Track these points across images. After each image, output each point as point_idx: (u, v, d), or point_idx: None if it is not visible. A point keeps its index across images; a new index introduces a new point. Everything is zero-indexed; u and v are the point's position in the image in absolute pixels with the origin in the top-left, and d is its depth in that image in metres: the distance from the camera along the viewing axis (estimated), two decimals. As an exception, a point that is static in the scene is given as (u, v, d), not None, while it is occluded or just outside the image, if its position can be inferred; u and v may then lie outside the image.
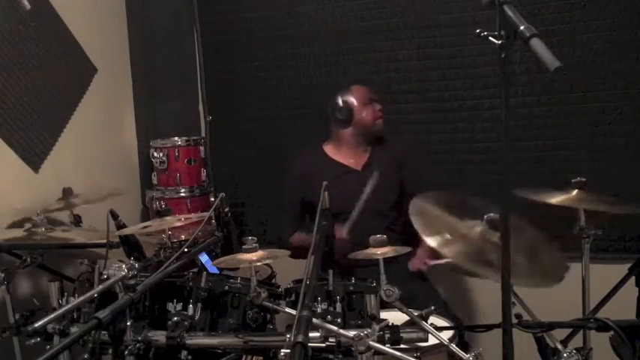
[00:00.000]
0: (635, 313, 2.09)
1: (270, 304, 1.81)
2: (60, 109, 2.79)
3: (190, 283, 1.96)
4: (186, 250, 1.92)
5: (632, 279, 2.06)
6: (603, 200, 1.95)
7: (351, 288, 1.91)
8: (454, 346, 1.69)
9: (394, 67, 3.07)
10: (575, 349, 1.77)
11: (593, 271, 1.96)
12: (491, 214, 1.85)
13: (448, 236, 1.76)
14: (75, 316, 1.97)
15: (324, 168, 2.75)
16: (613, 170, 2.75)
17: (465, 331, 2.23)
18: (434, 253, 2.64)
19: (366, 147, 2.81)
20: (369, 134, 2.79)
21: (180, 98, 3.44)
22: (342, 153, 2.80)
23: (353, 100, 2.74)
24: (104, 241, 1.96)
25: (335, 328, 1.68)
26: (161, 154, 3.05)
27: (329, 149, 2.83)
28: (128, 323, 1.77)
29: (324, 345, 1.71)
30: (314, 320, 1.59)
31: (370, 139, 2.80)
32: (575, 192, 2.00)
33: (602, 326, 1.58)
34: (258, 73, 3.33)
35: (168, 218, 2.15)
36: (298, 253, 2.13)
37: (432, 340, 1.74)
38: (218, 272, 2.14)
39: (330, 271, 1.89)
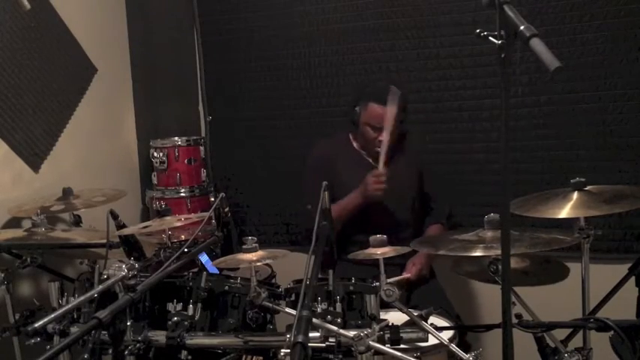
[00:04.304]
0: (635, 313, 2.09)
1: (270, 304, 1.81)
2: (60, 109, 2.78)
3: (190, 283, 1.97)
4: (186, 250, 1.92)
5: (632, 279, 2.06)
6: (602, 200, 1.95)
7: (351, 288, 1.91)
8: (454, 346, 1.70)
9: (394, 67, 3.07)
10: (576, 349, 1.78)
11: (593, 271, 1.95)
12: (492, 214, 1.85)
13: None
14: (75, 316, 1.97)
15: (346, 154, 2.70)
16: (613, 170, 2.75)
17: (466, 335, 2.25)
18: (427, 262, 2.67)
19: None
20: (368, 156, 2.67)
21: (180, 98, 3.44)
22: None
23: (360, 116, 2.62)
24: (104, 241, 1.96)
25: (335, 328, 1.68)
26: (161, 154, 3.05)
27: (354, 138, 2.74)
28: (128, 323, 1.77)
29: (324, 345, 1.71)
30: (314, 320, 1.59)
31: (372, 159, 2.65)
32: (574, 199, 1.95)
33: (602, 326, 1.58)
34: (258, 73, 3.33)
35: (168, 218, 2.15)
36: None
37: (432, 340, 1.75)
38: (218, 272, 2.14)
39: (330, 271, 1.89)
